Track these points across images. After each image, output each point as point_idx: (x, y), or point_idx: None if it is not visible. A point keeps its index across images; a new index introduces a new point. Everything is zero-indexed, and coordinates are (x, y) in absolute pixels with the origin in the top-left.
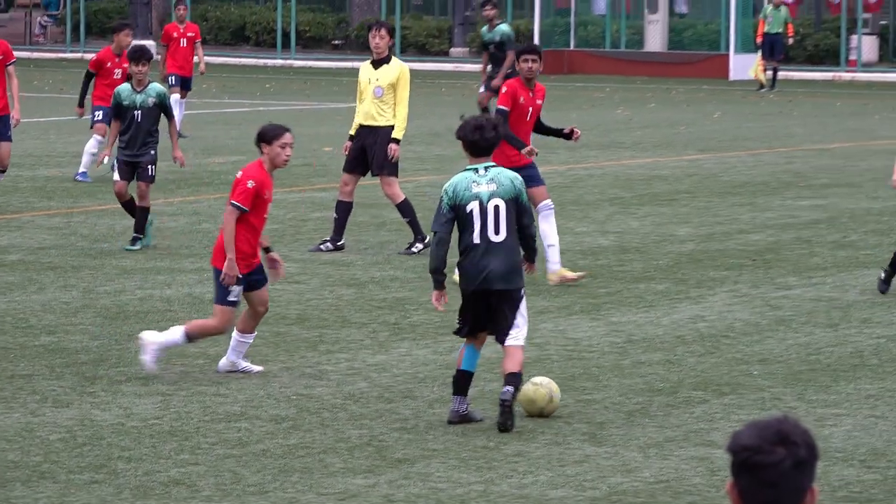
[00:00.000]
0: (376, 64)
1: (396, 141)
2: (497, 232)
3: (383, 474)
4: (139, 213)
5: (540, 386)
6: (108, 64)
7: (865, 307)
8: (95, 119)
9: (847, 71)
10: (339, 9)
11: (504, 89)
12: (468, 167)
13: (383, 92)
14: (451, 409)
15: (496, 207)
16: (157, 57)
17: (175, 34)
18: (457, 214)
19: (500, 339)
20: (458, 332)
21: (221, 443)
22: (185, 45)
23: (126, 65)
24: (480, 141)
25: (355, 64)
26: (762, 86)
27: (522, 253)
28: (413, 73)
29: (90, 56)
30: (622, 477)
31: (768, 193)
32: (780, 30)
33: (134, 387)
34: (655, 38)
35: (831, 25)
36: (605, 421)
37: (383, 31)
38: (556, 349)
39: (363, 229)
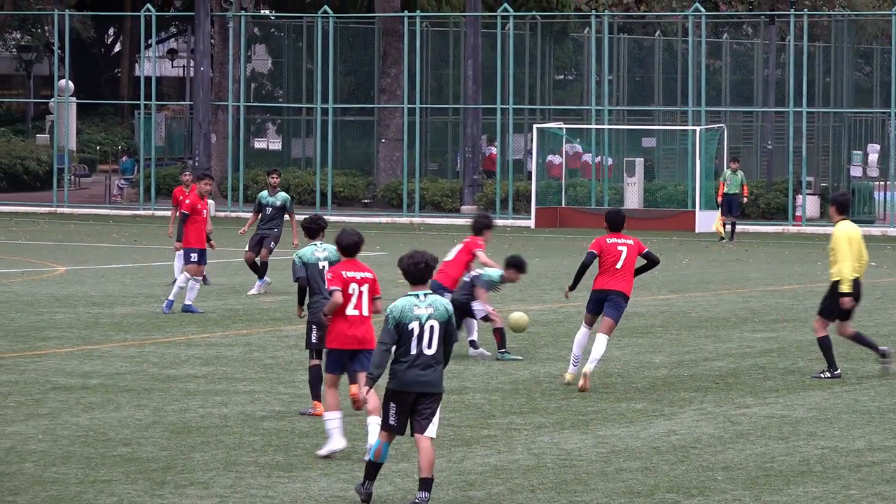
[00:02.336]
0: None
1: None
2: (430, 346)
3: None
4: None
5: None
6: (197, 205)
7: (811, 423)
8: (192, 259)
9: (794, 225)
10: (368, 173)
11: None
12: (409, 293)
13: None
14: (364, 491)
15: (431, 327)
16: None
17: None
18: (399, 330)
19: (419, 430)
20: (385, 426)
21: None
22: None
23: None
24: (416, 272)
25: (382, 219)
26: (722, 238)
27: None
28: (429, 226)
29: (161, 213)
30: None
31: (729, 327)
32: (737, 190)
33: (196, 490)
34: (633, 197)
35: (780, 187)
36: None
37: None
38: (552, 458)
39: None
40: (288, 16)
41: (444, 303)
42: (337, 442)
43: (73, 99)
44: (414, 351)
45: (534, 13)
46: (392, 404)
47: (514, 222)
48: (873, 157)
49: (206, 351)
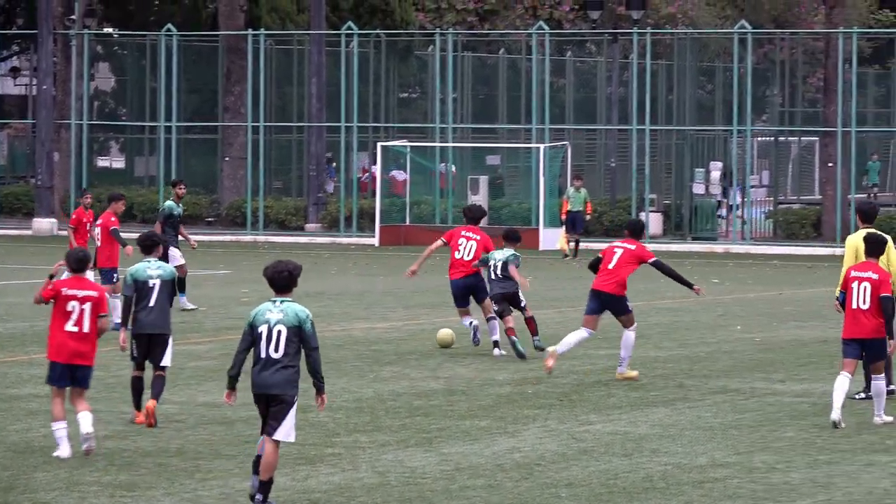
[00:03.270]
0: None
1: None
2: (276, 350)
3: None
4: None
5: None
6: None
7: (655, 439)
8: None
9: None
10: (212, 191)
11: None
12: (271, 299)
13: None
14: (252, 485)
15: (279, 331)
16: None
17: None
18: (252, 333)
19: (269, 432)
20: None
21: None
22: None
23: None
24: (279, 280)
25: (226, 237)
26: (566, 255)
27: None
28: (274, 245)
29: (3, 232)
30: None
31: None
32: (581, 208)
33: None
34: None
35: (624, 204)
36: None
37: None
38: (396, 476)
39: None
40: (131, 34)
41: (297, 309)
42: (63, 450)
43: None
44: (263, 354)
45: (378, 31)
46: (258, 407)
47: (358, 240)
48: (716, 175)
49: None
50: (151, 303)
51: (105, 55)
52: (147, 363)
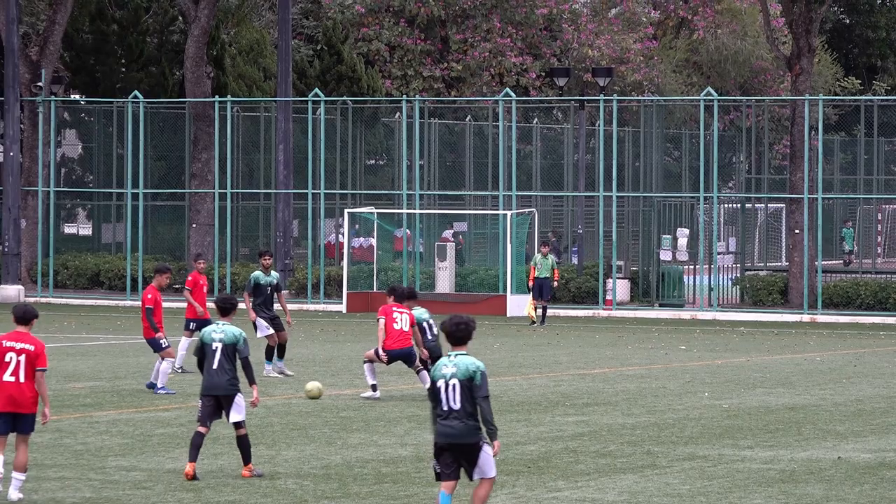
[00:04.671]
0: None
1: None
2: (454, 401)
3: None
4: None
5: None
6: (149, 296)
7: None
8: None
9: (604, 309)
10: (180, 258)
11: None
12: (447, 353)
13: None
14: None
15: (454, 385)
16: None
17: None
18: (434, 387)
19: (477, 475)
20: (436, 477)
21: None
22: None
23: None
24: (457, 332)
25: None
26: (534, 322)
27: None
28: (241, 310)
29: None
30: None
31: (540, 411)
32: (548, 275)
33: None
34: (444, 281)
35: (591, 271)
36: None
37: None
38: None
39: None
40: (98, 101)
41: (468, 363)
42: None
43: None
44: (445, 406)
45: (345, 98)
46: (434, 457)
47: (325, 307)
48: (682, 241)
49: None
50: (214, 365)
51: (72, 122)
52: (212, 422)
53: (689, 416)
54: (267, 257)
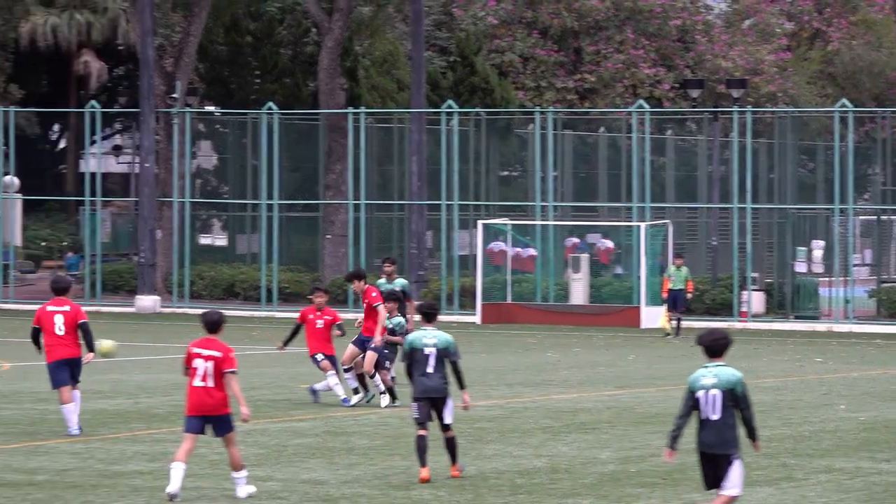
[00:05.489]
0: None
1: None
2: (714, 412)
3: None
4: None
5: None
6: (311, 316)
7: None
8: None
9: (739, 321)
10: (314, 269)
11: None
12: (704, 364)
13: None
14: None
15: (714, 396)
16: None
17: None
18: (692, 398)
19: (722, 488)
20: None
21: None
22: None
23: (326, 317)
24: (714, 346)
25: None
26: (668, 333)
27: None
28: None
29: (106, 309)
30: None
31: None
32: (682, 286)
33: None
34: (579, 292)
35: (725, 283)
36: None
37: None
38: None
39: (335, 452)
40: (233, 112)
41: (729, 374)
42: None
43: (19, 195)
44: (703, 416)
45: (478, 109)
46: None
47: (459, 318)
48: (818, 254)
49: (151, 447)
50: (430, 369)
51: (207, 133)
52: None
53: (826, 429)
54: (388, 265)
